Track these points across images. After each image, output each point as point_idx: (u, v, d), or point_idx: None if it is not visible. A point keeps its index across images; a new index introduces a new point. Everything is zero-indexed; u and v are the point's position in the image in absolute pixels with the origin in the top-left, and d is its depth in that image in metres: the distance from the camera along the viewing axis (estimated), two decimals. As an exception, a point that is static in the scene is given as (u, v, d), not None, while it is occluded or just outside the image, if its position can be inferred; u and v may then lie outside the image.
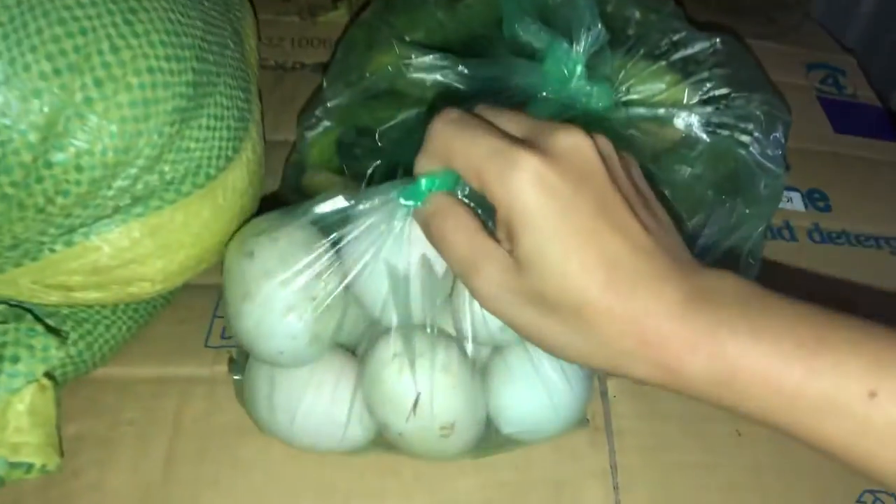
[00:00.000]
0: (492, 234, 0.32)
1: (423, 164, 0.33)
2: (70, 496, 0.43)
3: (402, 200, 0.34)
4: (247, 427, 0.45)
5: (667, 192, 0.45)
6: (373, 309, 0.40)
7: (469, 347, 0.40)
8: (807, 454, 0.47)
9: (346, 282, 0.38)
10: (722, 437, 0.48)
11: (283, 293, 0.38)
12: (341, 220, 0.37)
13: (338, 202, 0.37)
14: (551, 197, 0.29)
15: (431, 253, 0.36)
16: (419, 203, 0.34)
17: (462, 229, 0.32)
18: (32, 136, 0.36)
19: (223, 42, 0.45)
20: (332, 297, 0.38)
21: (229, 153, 0.43)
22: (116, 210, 0.40)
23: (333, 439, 0.42)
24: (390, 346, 0.39)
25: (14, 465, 0.38)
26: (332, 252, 0.38)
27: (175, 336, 0.49)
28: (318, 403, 0.41)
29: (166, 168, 0.41)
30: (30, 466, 0.38)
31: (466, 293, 0.37)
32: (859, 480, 0.47)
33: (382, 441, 0.43)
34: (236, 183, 0.44)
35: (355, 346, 0.43)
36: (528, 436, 0.44)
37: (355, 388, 0.41)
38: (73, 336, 0.43)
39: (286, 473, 0.44)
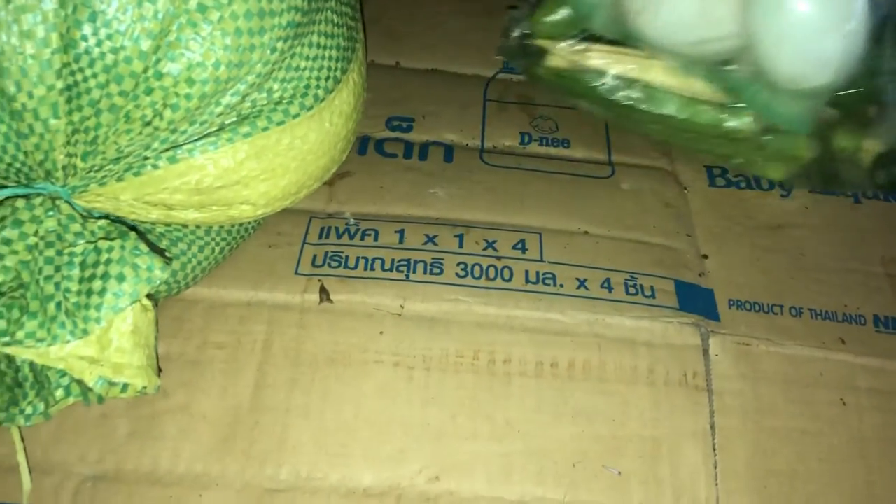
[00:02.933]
0: None
1: None
2: (159, 416, 0.42)
3: None
4: (338, 358, 0.44)
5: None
6: None
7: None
8: (914, 428, 0.46)
9: None
10: (826, 404, 0.45)
11: None
12: None
13: None
14: None
15: None
16: None
17: None
18: (144, 44, 0.34)
19: (335, -47, 0.42)
20: None
21: (338, 74, 0.41)
22: (222, 128, 0.38)
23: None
24: None
25: (112, 384, 0.37)
26: None
27: (265, 260, 0.48)
28: None
29: (275, 87, 0.39)
30: (126, 385, 0.37)
31: None
32: (969, 460, 0.45)
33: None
34: (343, 106, 0.42)
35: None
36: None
37: None
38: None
39: (377, 409, 0.43)
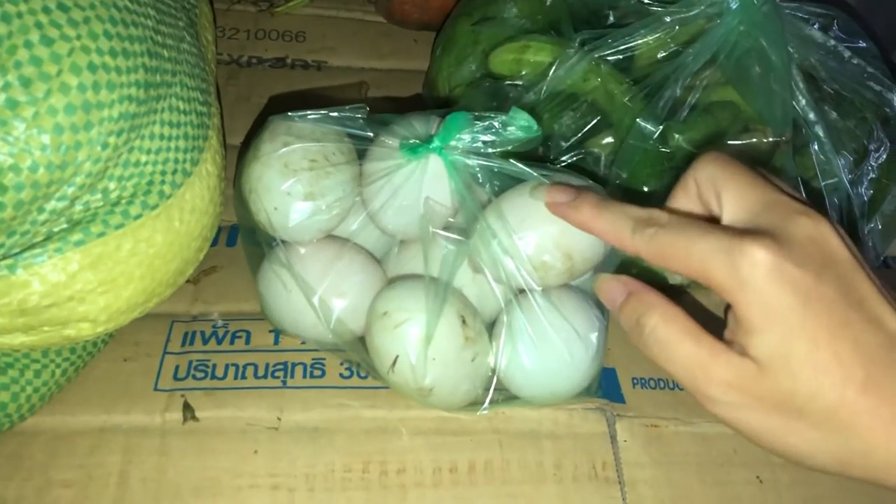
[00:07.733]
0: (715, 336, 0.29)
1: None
2: (-9, 578, 0.36)
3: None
4: (206, 486, 0.39)
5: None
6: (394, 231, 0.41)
7: (497, 289, 0.40)
8: (832, 501, 0.43)
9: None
10: (743, 484, 0.43)
11: (287, 154, 0.40)
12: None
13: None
14: (793, 289, 0.26)
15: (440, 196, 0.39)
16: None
17: (686, 333, 0.29)
18: (-58, 149, 0.29)
19: (178, 35, 0.38)
20: (335, 168, 0.40)
21: (187, 166, 0.37)
22: (49, 237, 0.33)
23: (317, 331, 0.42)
24: (385, 302, 0.40)
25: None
26: (349, 148, 0.41)
27: (119, 377, 0.42)
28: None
29: (111, 186, 0.34)
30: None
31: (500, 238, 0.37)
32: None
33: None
34: (195, 201, 0.37)
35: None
36: (533, 397, 0.42)
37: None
38: (-6, 385, 0.36)
39: (253, 542, 0.38)
